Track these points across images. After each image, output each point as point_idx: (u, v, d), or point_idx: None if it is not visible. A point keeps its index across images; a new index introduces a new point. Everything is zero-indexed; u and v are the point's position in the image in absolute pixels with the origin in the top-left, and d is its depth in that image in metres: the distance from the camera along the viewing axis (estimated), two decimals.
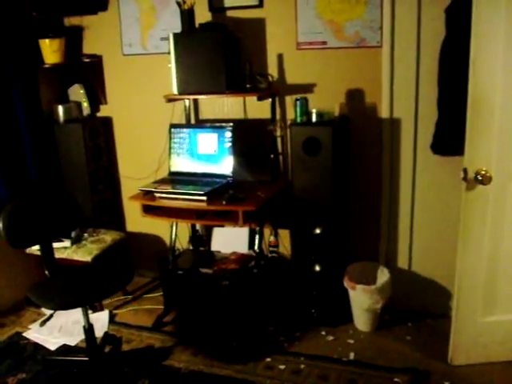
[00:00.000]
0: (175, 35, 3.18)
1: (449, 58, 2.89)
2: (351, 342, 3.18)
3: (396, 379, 2.79)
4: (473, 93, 2.48)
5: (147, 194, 3.22)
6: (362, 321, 3.27)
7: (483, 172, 2.54)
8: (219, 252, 3.59)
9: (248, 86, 3.24)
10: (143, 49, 3.70)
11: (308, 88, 3.34)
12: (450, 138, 2.97)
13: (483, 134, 2.54)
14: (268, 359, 3.02)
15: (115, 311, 3.66)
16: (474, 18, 2.38)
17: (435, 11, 2.94)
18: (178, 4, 3.21)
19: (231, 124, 3.32)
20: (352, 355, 3.04)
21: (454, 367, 2.87)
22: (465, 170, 2.56)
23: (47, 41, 3.57)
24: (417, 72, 3.10)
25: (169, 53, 3.21)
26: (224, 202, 2.99)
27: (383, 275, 3.27)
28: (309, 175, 3.10)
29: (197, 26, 3.27)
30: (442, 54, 2.93)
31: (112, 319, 3.55)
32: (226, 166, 3.31)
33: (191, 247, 3.76)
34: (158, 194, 3.18)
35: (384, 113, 3.22)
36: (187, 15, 3.20)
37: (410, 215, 3.36)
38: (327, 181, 3.08)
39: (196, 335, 3.32)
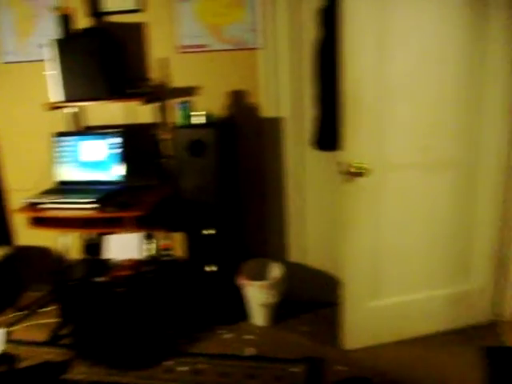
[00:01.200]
0: (52, 42, 3.09)
1: (323, 56, 3.01)
2: (250, 337, 3.24)
3: (293, 369, 2.87)
4: (345, 89, 2.59)
5: (34, 206, 3.13)
6: (258, 316, 3.34)
7: (360, 165, 2.67)
8: (114, 259, 3.54)
9: (131, 90, 3.22)
10: (23, 56, 3.58)
11: (193, 91, 3.36)
12: (329, 134, 3.08)
13: (358, 128, 2.66)
14: (168, 362, 3.03)
15: (10, 329, 3.52)
16: (344, 16, 2.49)
17: (313, 12, 3.05)
18: (54, 10, 3.14)
19: (119, 130, 3.29)
20: (251, 350, 3.10)
21: (347, 352, 3.00)
22: (342, 164, 2.68)
23: None
24: (299, 72, 3.20)
25: (46, 60, 3.13)
26: (113, 209, 2.95)
27: (277, 270, 3.36)
28: (196, 177, 3.13)
29: (78, 31, 3.22)
30: (317, 52, 3.05)
31: (7, 337, 3.41)
32: (115, 172, 3.27)
33: (85, 256, 3.67)
34: (44, 205, 3.09)
35: (269, 112, 3.30)
36: (63, 21, 3.13)
37: (300, 210, 3.46)
38: (214, 181, 3.12)
39: (95, 345, 3.26)
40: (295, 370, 2.87)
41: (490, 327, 3.16)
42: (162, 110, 3.42)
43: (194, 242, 3.30)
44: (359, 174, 2.69)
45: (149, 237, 3.37)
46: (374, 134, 2.71)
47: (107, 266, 3.45)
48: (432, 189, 2.90)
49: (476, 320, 3.18)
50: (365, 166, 2.68)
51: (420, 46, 2.66)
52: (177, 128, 3.14)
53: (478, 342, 3.00)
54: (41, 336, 3.41)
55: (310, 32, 3.10)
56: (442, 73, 2.72)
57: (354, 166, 2.67)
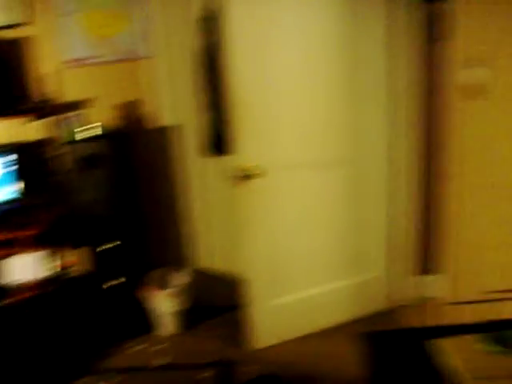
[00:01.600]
0: None
1: (211, 63, 3.08)
2: (161, 347, 3.24)
3: (205, 374, 2.91)
4: (232, 95, 2.66)
5: None
6: (168, 325, 3.35)
7: (251, 167, 2.75)
8: (15, 281, 3.43)
9: (20, 107, 3.14)
10: None
11: (86, 103, 3.32)
12: (224, 138, 3.15)
13: (248, 131, 2.74)
14: (81, 381, 2.98)
15: None
16: (225, 24, 2.55)
17: (201, 20, 3.10)
18: None
19: (10, 148, 3.19)
20: (163, 360, 3.11)
21: (256, 351, 3.08)
22: (235, 167, 2.75)
23: None
24: (192, 79, 3.23)
25: None
26: (8, 230, 2.88)
27: (183, 278, 3.38)
28: (93, 190, 3.10)
29: None
30: (205, 59, 3.10)
31: None
32: (8, 191, 3.18)
33: None
34: None
35: (164, 121, 3.32)
36: None
37: (204, 216, 3.50)
38: (111, 194, 3.11)
39: (2, 372, 3.16)
40: (206, 374, 2.91)
41: (389, 313, 3.33)
42: (54, 125, 3.34)
43: (98, 257, 3.26)
44: (251, 176, 2.77)
45: (51, 255, 3.29)
46: (264, 136, 2.79)
47: (8, 289, 3.34)
48: (326, 186, 3.02)
49: (376, 308, 3.35)
50: (257, 167, 2.76)
51: (303, 49, 2.77)
52: (70, 142, 3.09)
53: (379, 328, 3.15)
54: None
55: (199, 39, 3.14)
56: (328, 73, 2.85)
57: (246, 169, 2.74)
